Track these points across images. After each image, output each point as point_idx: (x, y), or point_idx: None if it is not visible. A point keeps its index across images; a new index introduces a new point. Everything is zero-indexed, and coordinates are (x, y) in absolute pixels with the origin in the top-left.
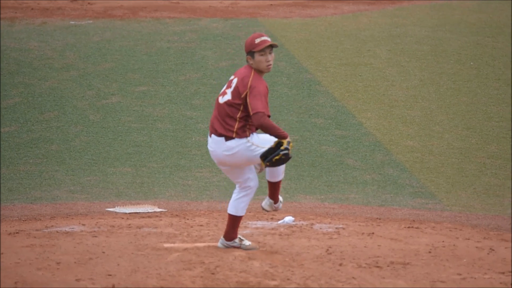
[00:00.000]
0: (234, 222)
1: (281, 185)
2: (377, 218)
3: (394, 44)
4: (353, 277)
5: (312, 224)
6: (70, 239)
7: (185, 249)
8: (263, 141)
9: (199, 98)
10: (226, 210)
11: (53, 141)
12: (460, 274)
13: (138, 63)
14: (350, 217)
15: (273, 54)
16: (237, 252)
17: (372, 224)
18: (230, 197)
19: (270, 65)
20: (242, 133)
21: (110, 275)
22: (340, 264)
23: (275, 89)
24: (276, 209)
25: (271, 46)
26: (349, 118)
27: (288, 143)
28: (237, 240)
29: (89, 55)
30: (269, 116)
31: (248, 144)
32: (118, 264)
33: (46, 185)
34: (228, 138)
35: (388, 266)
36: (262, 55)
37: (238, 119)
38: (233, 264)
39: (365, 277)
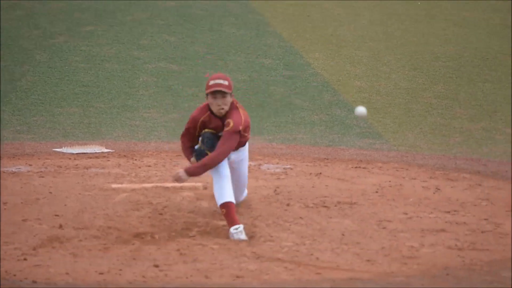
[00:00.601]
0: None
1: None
2: (324, 158)
3: None
4: (300, 217)
5: (260, 164)
6: (16, 179)
7: (133, 189)
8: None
9: (146, 38)
10: (173, 151)
11: None
12: (406, 214)
13: (85, 3)
14: (298, 158)
15: (228, 98)
16: (185, 193)
17: (320, 164)
18: (178, 137)
19: (221, 109)
20: None
21: (57, 215)
22: (288, 204)
23: (222, 29)
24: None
25: (222, 92)
26: (297, 58)
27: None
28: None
29: None
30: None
31: None
32: (65, 205)
33: None
34: None
35: (335, 206)
36: (213, 98)
37: None
38: (181, 204)
39: (312, 217)
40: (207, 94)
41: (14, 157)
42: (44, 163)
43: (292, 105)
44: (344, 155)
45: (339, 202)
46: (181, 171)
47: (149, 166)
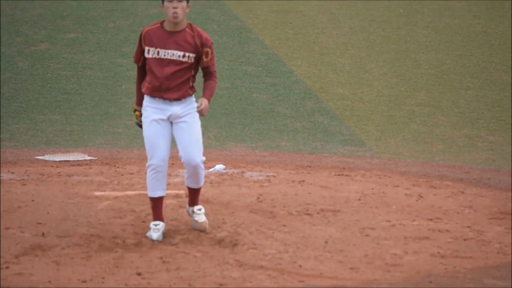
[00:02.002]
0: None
1: (212, 134)
2: (307, 165)
3: None
4: (283, 225)
5: (243, 172)
6: None
7: (116, 197)
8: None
9: (129, 45)
10: None
11: None
12: (389, 221)
13: (67, 10)
14: (281, 165)
15: (184, 3)
16: (169, 201)
17: (303, 172)
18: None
19: (176, 13)
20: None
21: (40, 223)
22: (271, 212)
23: None
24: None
25: None
26: (279, 65)
27: (135, 114)
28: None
29: (17, 1)
30: (140, 67)
31: None
32: (48, 213)
33: None
34: None
35: (318, 213)
36: (169, 1)
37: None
38: (164, 212)
39: (296, 225)
40: (162, 0)
41: None
42: (26, 170)
43: (275, 113)
44: (327, 163)
45: (322, 210)
46: (206, 101)
47: (132, 173)
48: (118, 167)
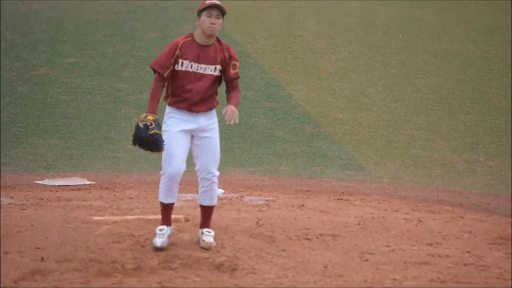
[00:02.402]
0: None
1: None
2: (306, 190)
3: (323, 16)
4: (283, 249)
5: (242, 196)
6: None
7: (115, 222)
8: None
9: (128, 70)
10: (156, 183)
11: None
12: (388, 246)
13: (67, 35)
14: (280, 189)
15: (221, 20)
16: None
17: (302, 196)
18: (160, 169)
19: (213, 27)
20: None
21: (39, 248)
22: (270, 237)
23: None
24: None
25: (217, 9)
26: (278, 90)
27: (146, 117)
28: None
29: (16, 26)
30: (162, 78)
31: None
32: (47, 237)
33: None
34: None
35: (317, 238)
36: (208, 15)
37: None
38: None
39: (295, 249)
40: (200, 12)
41: None
42: (25, 195)
43: (274, 137)
44: (326, 187)
45: (321, 234)
46: (233, 106)
47: (131, 198)
48: (117, 192)
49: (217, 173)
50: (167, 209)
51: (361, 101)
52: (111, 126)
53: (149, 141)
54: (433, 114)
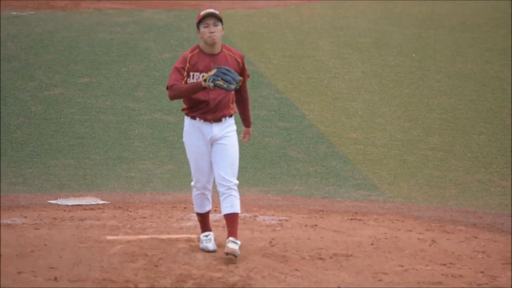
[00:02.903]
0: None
1: None
2: (320, 210)
3: (337, 36)
4: (296, 269)
5: (256, 216)
6: (11, 231)
7: (128, 241)
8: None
9: (142, 89)
10: (169, 203)
11: None
12: (402, 266)
13: (81, 55)
14: (293, 209)
15: (219, 27)
16: (180, 245)
17: (315, 216)
18: (173, 189)
19: (213, 36)
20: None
21: (53, 267)
22: (283, 256)
23: None
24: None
25: (212, 16)
26: (292, 110)
27: (209, 78)
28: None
29: (31, 46)
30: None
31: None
32: (61, 257)
33: None
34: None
35: (331, 258)
36: (205, 26)
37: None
38: (176, 256)
39: (308, 269)
40: (198, 25)
41: (9, 209)
42: (39, 215)
43: (288, 157)
44: (340, 207)
45: (335, 254)
46: (250, 131)
47: (145, 217)
48: (130, 211)
49: (236, 181)
50: (205, 217)
51: (374, 120)
52: (125, 145)
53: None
54: (446, 134)
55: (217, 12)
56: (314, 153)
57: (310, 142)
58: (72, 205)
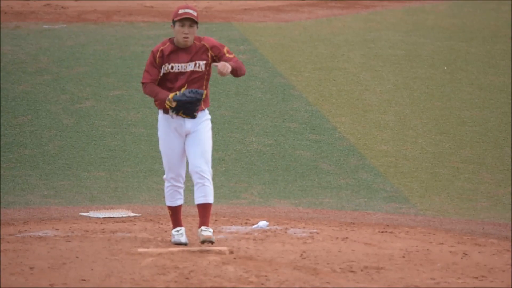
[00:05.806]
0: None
1: (255, 191)
2: (351, 222)
3: (368, 48)
4: (327, 282)
5: (286, 228)
6: (43, 244)
7: (159, 253)
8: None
9: None
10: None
11: (26, 145)
12: (434, 279)
13: (112, 67)
14: (324, 222)
15: (194, 28)
16: (212, 257)
17: (346, 229)
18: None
19: (186, 38)
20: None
21: (84, 280)
22: (314, 269)
23: (249, 93)
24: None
25: (189, 19)
26: (323, 122)
27: (172, 109)
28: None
29: (62, 59)
30: (154, 82)
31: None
32: (92, 269)
33: (19, 189)
34: None
35: (362, 270)
36: (181, 25)
37: None
38: (207, 269)
39: (339, 282)
40: (173, 22)
41: (41, 222)
42: (70, 227)
43: (318, 169)
44: (371, 220)
45: (366, 267)
46: (225, 62)
47: None
48: (161, 224)
49: (209, 169)
50: (177, 211)
51: (405, 133)
52: (156, 158)
53: (187, 100)
54: (478, 147)
55: (194, 14)
56: (345, 165)
57: (341, 154)
58: (103, 218)
